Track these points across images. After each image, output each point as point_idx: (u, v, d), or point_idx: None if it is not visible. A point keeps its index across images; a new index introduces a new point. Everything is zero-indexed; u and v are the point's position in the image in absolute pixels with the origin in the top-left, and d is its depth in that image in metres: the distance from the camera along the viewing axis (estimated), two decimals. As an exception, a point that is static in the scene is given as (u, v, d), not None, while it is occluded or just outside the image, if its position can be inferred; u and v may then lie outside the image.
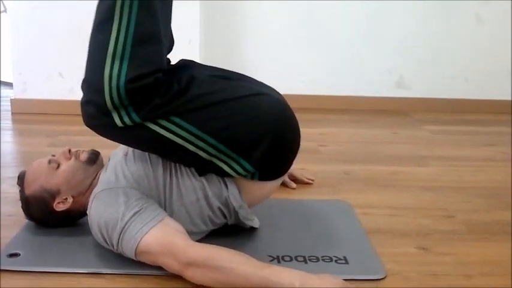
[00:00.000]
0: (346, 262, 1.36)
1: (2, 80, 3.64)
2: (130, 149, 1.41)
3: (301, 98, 2.97)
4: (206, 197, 1.35)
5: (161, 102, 1.23)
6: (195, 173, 1.35)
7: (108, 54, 1.20)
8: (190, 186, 1.35)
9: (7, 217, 1.62)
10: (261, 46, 3.15)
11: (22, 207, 1.47)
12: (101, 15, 1.23)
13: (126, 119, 1.23)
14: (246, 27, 3.14)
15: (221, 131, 1.28)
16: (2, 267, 1.32)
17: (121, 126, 1.23)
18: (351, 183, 1.96)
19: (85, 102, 1.25)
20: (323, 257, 1.38)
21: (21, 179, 1.46)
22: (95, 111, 1.23)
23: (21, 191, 1.45)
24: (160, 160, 1.36)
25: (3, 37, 3.51)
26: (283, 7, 3.08)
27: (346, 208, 1.71)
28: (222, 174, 1.34)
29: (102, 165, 1.47)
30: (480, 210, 1.73)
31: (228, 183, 1.36)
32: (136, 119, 1.23)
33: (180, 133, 1.26)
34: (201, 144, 1.27)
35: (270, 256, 1.37)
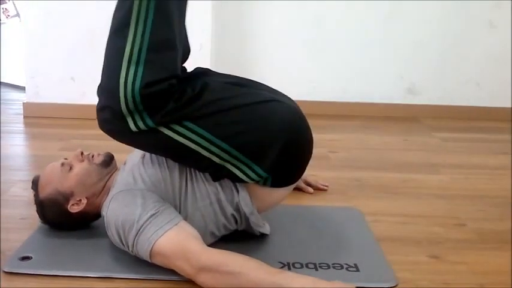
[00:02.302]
0: (357, 270, 1.35)
1: (15, 83, 3.67)
2: (147, 153, 1.42)
3: (311, 104, 2.97)
4: (219, 201, 1.36)
5: (175, 107, 1.24)
6: (210, 179, 1.36)
7: (123, 61, 1.21)
8: (204, 191, 1.36)
9: (19, 220, 1.63)
10: (272, 52, 3.15)
11: (37, 211, 1.48)
12: (117, 22, 1.25)
13: (140, 124, 1.24)
14: (257, 33, 3.14)
15: (233, 136, 1.29)
16: (14, 270, 1.33)
17: (135, 131, 1.25)
18: (361, 190, 1.95)
19: (100, 108, 1.27)
20: (334, 264, 1.37)
21: (35, 183, 1.47)
22: (110, 117, 1.25)
23: (36, 195, 1.46)
24: (176, 164, 1.37)
25: (17, 41, 3.55)
26: (294, 13, 3.09)
27: (357, 215, 1.70)
28: (236, 179, 1.34)
29: (116, 168, 1.49)
30: (492, 219, 1.72)
31: (239, 189, 1.36)
32: (150, 123, 1.24)
33: (193, 137, 1.27)
34: (213, 149, 1.28)
35: (280, 263, 1.37)
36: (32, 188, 1.48)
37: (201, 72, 1.44)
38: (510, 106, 3.13)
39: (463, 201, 1.87)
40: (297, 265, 1.37)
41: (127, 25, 1.22)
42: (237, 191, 1.36)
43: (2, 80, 3.82)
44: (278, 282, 1.17)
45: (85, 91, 2.88)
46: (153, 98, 1.22)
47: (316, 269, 1.35)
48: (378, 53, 3.11)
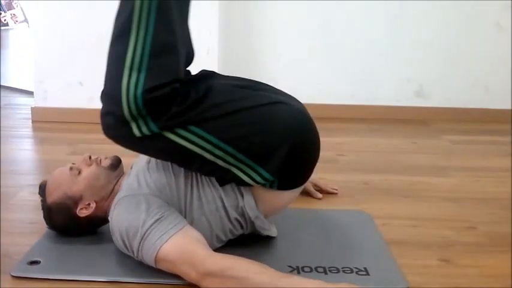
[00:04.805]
0: (367, 273, 1.34)
1: (23, 88, 3.69)
2: (153, 158, 1.41)
3: (319, 107, 2.96)
4: (224, 207, 1.35)
5: (178, 111, 1.24)
6: (215, 183, 1.35)
7: (125, 66, 1.21)
8: (210, 196, 1.35)
9: (28, 224, 1.63)
10: (280, 55, 3.15)
11: (44, 216, 1.48)
12: (118, 28, 1.24)
13: (144, 129, 1.23)
14: (265, 37, 3.14)
15: (239, 139, 1.28)
16: (23, 275, 1.33)
17: (139, 136, 1.24)
18: (370, 193, 1.94)
19: (104, 114, 1.27)
20: (343, 268, 1.36)
21: (42, 188, 1.47)
22: (114, 122, 1.25)
23: (43, 200, 1.46)
24: (182, 169, 1.36)
25: (25, 46, 3.57)
26: (302, 16, 3.08)
27: (366, 218, 1.69)
28: (241, 183, 1.33)
29: (123, 171, 1.49)
30: (503, 222, 1.70)
31: (244, 193, 1.35)
32: (154, 128, 1.24)
33: (198, 142, 1.26)
34: (218, 153, 1.27)
35: (289, 266, 1.36)
36: (39, 193, 1.47)
37: (206, 75, 1.43)
38: (518, 108, 3.11)
39: (473, 204, 1.85)
40: (306, 269, 1.36)
41: (128, 31, 1.21)
42: (242, 196, 1.35)
43: (11, 85, 3.84)
44: (284, 286, 1.16)
45: (93, 95, 2.88)
46: (156, 103, 1.21)
47: (326, 273, 1.34)
48: (386, 56, 3.10)
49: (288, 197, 1.41)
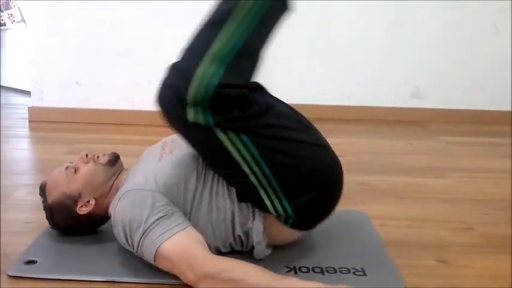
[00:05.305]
0: (364, 274, 1.34)
1: (20, 88, 3.68)
2: (164, 156, 1.40)
3: (317, 108, 2.97)
4: (232, 221, 1.34)
5: (239, 116, 1.24)
6: (232, 197, 1.33)
7: (210, 52, 1.21)
8: (222, 205, 1.34)
9: (24, 224, 1.63)
10: (278, 56, 3.14)
11: (46, 217, 1.47)
12: (220, 13, 1.24)
13: (200, 118, 1.22)
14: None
15: (280, 166, 1.28)
16: (19, 274, 1.32)
17: (191, 121, 1.23)
18: (367, 194, 1.95)
19: (167, 85, 1.25)
20: (340, 268, 1.36)
21: (42, 189, 1.47)
22: (173, 97, 1.23)
23: (44, 201, 1.46)
24: (195, 172, 1.35)
25: (22, 46, 3.56)
26: (299, 18, 3.08)
27: (363, 219, 1.70)
28: (261, 206, 1.32)
29: (122, 167, 1.48)
30: (500, 223, 1.71)
31: (256, 216, 1.34)
32: (210, 121, 1.23)
33: (242, 150, 1.26)
34: (255, 169, 1.27)
35: (287, 267, 1.36)
36: (39, 194, 1.47)
37: (261, 89, 1.41)
38: (515, 110, 3.12)
39: (469, 205, 1.85)
40: (303, 269, 1.36)
41: (227, 21, 1.22)
42: (253, 218, 1.34)
43: (7, 85, 3.83)
44: (281, 287, 1.16)
45: (90, 95, 2.89)
46: (223, 99, 1.21)
47: (323, 273, 1.34)
48: (383, 58, 3.10)
49: (294, 236, 1.41)
